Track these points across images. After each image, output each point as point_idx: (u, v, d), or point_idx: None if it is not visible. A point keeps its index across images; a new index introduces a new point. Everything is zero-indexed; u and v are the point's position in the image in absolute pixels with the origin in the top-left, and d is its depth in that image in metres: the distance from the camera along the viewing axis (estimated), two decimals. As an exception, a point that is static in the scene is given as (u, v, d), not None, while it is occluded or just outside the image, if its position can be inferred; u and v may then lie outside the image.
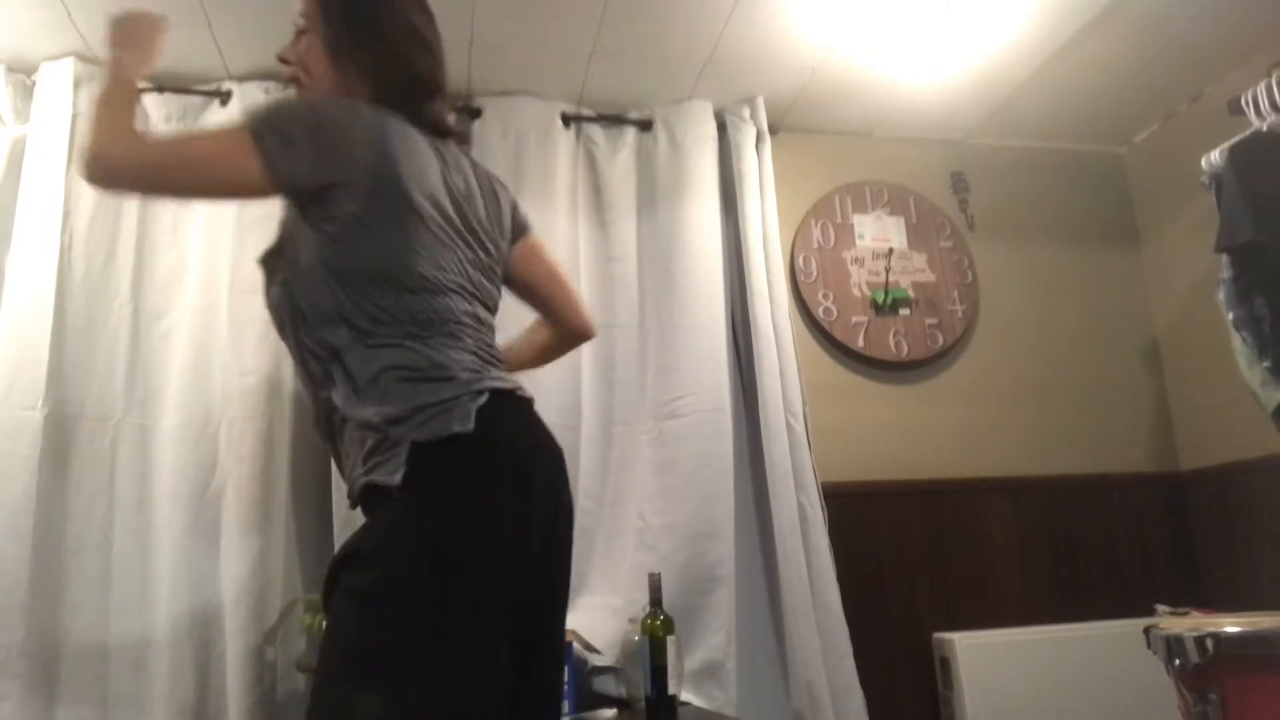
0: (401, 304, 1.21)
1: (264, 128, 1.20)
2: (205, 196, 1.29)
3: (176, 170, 1.22)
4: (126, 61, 1.34)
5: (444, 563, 1.09)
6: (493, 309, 1.38)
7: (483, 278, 1.34)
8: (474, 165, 1.43)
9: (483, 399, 1.17)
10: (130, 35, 1.38)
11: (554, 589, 1.27)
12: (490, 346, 1.31)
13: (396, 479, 1.12)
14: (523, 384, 1.29)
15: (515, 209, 1.51)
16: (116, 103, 1.26)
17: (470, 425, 1.14)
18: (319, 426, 1.29)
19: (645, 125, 2.70)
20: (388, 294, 1.21)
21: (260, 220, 2.36)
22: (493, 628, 1.11)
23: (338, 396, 1.21)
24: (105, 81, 1.30)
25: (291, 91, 1.41)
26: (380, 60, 1.33)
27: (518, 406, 1.26)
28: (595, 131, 2.68)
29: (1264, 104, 2.35)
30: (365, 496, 1.18)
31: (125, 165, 1.20)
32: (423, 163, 1.27)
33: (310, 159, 1.20)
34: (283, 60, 1.39)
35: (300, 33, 1.36)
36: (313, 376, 1.26)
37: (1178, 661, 1.61)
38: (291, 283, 1.25)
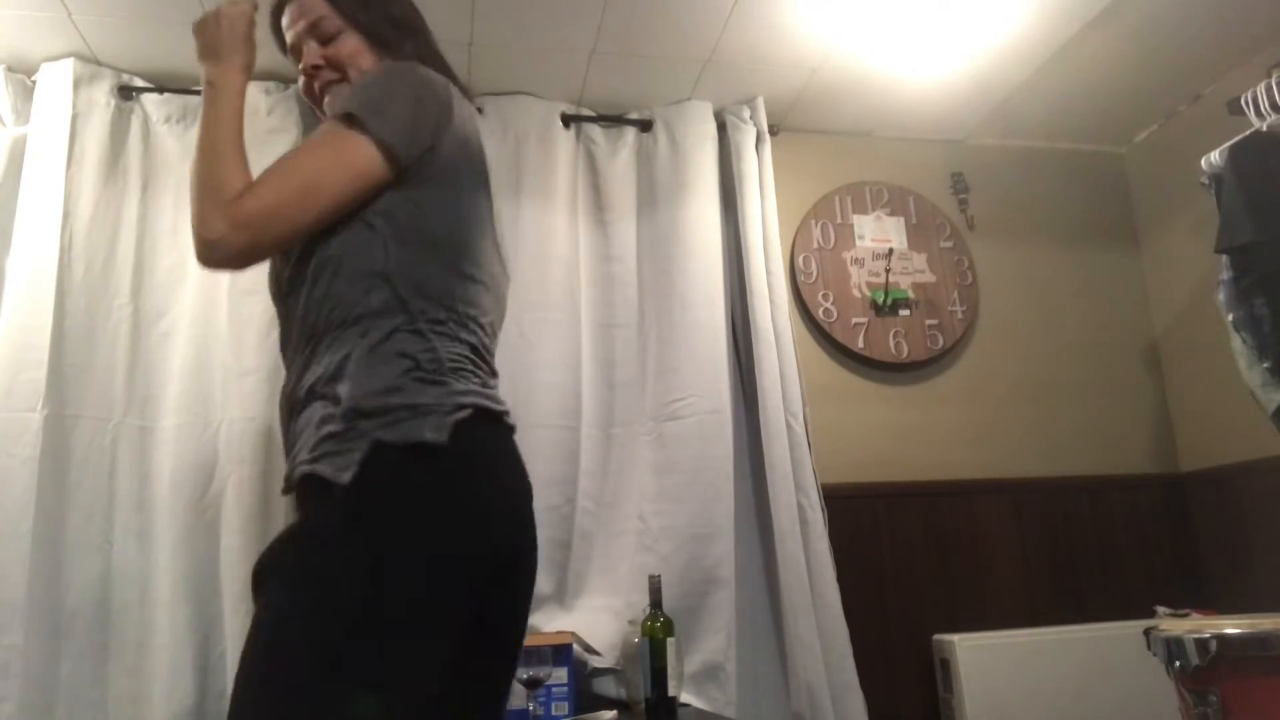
0: (446, 285, 1.14)
1: (354, 108, 1.13)
2: (343, 207, 1.11)
3: (299, 204, 1.10)
4: (218, 78, 1.20)
5: (378, 590, 0.99)
6: (502, 312, 1.30)
7: (500, 270, 1.28)
8: None
9: (465, 413, 1.07)
10: (215, 40, 1.23)
11: (505, 652, 1.17)
12: (491, 354, 1.22)
13: (345, 477, 1.01)
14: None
15: None
16: (218, 147, 1.13)
17: (444, 437, 1.04)
18: (282, 400, 1.18)
19: (645, 125, 2.70)
20: (440, 270, 1.14)
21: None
22: (423, 669, 1.01)
23: (319, 367, 1.11)
24: (202, 112, 1.18)
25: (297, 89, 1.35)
26: (417, 46, 1.34)
27: (502, 433, 1.15)
28: (595, 131, 2.68)
29: (1264, 104, 2.35)
30: (305, 487, 1.07)
31: (243, 239, 1.08)
32: (477, 126, 1.26)
33: (409, 126, 1.14)
34: (315, 68, 1.30)
35: (330, 38, 1.30)
36: (300, 339, 1.15)
37: (1178, 663, 1.61)
38: (330, 232, 1.13)
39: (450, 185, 1.17)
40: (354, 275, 1.11)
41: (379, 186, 1.13)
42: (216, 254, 1.08)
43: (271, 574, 1.04)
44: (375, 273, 1.11)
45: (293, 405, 1.14)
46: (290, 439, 1.13)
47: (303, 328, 1.15)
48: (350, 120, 1.12)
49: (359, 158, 1.11)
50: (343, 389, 1.07)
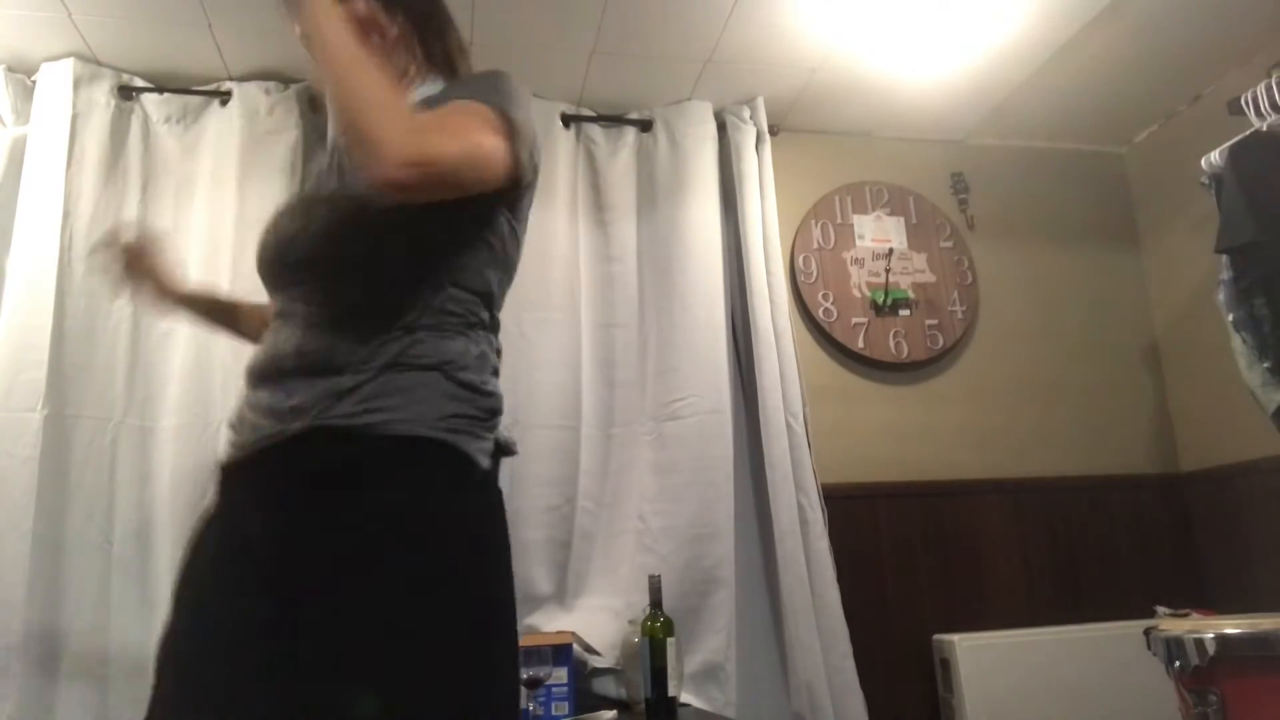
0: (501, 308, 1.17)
1: (512, 114, 1.04)
2: (471, 193, 1.03)
3: (469, 169, 0.99)
4: (316, 5, 1.00)
5: (489, 578, 1.02)
6: None
7: None
8: None
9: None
10: None
11: None
12: None
13: (485, 461, 1.02)
14: None
15: None
16: (359, 64, 0.95)
17: (517, 450, 1.13)
18: (305, 352, 1.05)
19: (645, 125, 2.70)
20: (505, 295, 1.18)
21: (260, 222, 2.35)
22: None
23: (426, 344, 1.03)
24: (320, 36, 0.98)
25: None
26: (421, 5, 1.25)
27: None
28: (595, 131, 2.68)
29: (1264, 104, 2.35)
30: (388, 449, 0.98)
31: (421, 174, 0.93)
32: None
33: (529, 155, 1.09)
34: None
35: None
36: (358, 318, 1.04)
37: (1178, 663, 1.61)
38: (452, 241, 1.08)
39: (527, 216, 1.20)
40: (469, 288, 1.10)
41: (492, 194, 1.07)
42: (413, 176, 0.93)
43: (364, 539, 0.95)
44: (485, 293, 1.12)
45: (355, 361, 1.01)
46: (326, 390, 1.01)
47: (375, 312, 1.05)
48: (506, 121, 1.04)
49: (505, 162, 1.04)
50: (478, 381, 1.06)
